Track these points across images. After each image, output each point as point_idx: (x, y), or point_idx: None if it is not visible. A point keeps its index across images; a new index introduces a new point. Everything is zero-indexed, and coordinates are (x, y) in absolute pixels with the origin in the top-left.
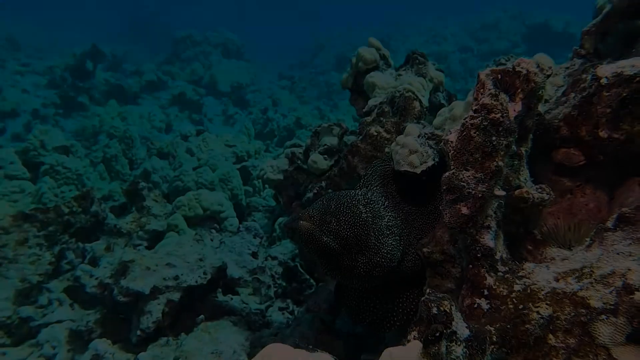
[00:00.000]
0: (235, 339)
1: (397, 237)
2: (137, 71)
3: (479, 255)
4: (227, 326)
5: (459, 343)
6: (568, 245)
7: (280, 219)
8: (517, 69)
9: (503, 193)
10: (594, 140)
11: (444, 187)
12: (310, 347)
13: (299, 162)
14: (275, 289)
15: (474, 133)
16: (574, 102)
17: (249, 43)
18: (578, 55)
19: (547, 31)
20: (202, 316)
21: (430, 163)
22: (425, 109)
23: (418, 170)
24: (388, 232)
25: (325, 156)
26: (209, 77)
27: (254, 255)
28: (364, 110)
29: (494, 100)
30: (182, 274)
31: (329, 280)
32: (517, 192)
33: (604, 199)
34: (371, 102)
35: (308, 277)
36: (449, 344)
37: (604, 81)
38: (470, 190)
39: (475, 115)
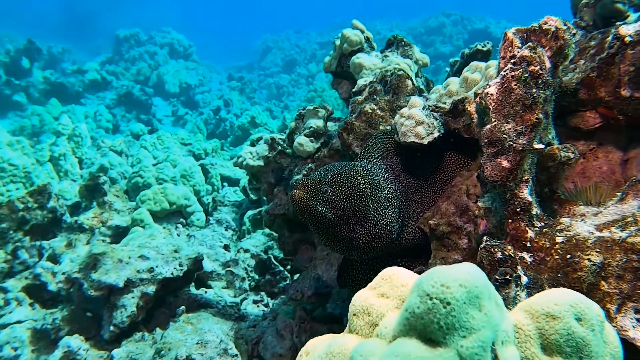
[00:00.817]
0: (221, 329)
1: (396, 210)
2: (79, 70)
3: (518, 209)
4: (209, 317)
5: (522, 288)
6: (596, 203)
7: (249, 212)
8: (545, 27)
9: (542, 146)
10: (614, 100)
11: (485, 140)
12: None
13: (279, 147)
14: (249, 282)
15: (515, 85)
16: (591, 65)
17: (196, 44)
18: (578, 26)
19: (487, 36)
20: (182, 307)
21: (436, 134)
22: (416, 88)
23: (425, 142)
24: (387, 204)
25: (312, 138)
26: (156, 77)
27: (226, 247)
28: (353, 90)
29: (533, 53)
30: (156, 266)
31: (311, 267)
32: (547, 149)
33: (616, 162)
34: (360, 82)
35: (282, 268)
36: (515, 288)
37: (627, 39)
38: (512, 143)
39: (516, 67)
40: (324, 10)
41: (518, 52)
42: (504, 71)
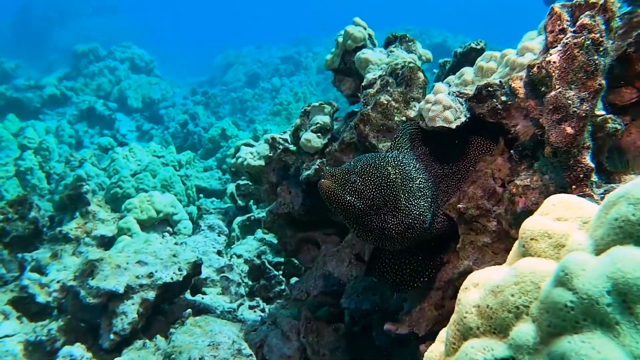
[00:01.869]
0: (231, 330)
1: (429, 199)
2: (36, 85)
3: (581, 175)
4: (217, 320)
5: None
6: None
7: (238, 219)
8: (591, 1)
9: (603, 113)
10: None
11: (550, 107)
12: None
13: (280, 146)
14: (243, 288)
15: (577, 52)
16: (627, 41)
17: (157, 59)
18: None
19: (446, 50)
20: (189, 310)
21: (463, 119)
22: (427, 80)
23: (453, 126)
24: (420, 194)
25: (319, 134)
26: (117, 92)
27: (219, 253)
28: (363, 84)
29: (593, 21)
30: (156, 271)
31: (315, 266)
32: (599, 118)
33: None
34: (369, 76)
35: (277, 273)
36: None
37: None
38: (576, 109)
39: (577, 35)
40: (284, 26)
41: (567, 25)
42: (566, 39)
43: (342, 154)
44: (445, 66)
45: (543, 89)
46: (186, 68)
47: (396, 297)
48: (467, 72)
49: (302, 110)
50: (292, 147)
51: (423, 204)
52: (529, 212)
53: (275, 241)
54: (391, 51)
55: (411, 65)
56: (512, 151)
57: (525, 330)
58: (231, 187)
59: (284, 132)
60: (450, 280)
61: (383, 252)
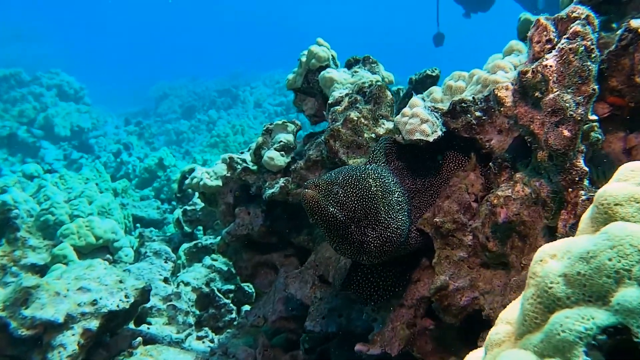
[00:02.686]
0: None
1: (405, 213)
2: None
3: (577, 178)
4: (169, 348)
5: None
6: None
7: (185, 245)
8: (573, 14)
9: (596, 118)
10: (627, 88)
11: (549, 109)
12: None
13: (238, 166)
14: (192, 317)
15: (573, 57)
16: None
17: (88, 87)
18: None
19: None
20: (139, 339)
21: (439, 132)
22: (394, 98)
23: (430, 139)
24: (398, 208)
25: (282, 152)
26: (43, 120)
27: (166, 281)
28: (329, 102)
29: (584, 29)
30: (100, 298)
31: (273, 291)
32: (586, 125)
33: (619, 151)
34: (336, 94)
35: (227, 301)
36: None
37: None
38: (572, 113)
39: (572, 41)
40: (220, 60)
41: (553, 36)
42: (562, 44)
43: (308, 171)
44: (400, 93)
45: (537, 94)
46: (118, 98)
47: (365, 317)
48: (436, 91)
49: (264, 128)
50: (253, 167)
51: (401, 218)
52: (509, 223)
53: (225, 268)
54: (355, 71)
55: (379, 83)
56: (490, 164)
57: (631, 294)
58: (177, 213)
59: (242, 153)
60: (422, 298)
61: (360, 266)
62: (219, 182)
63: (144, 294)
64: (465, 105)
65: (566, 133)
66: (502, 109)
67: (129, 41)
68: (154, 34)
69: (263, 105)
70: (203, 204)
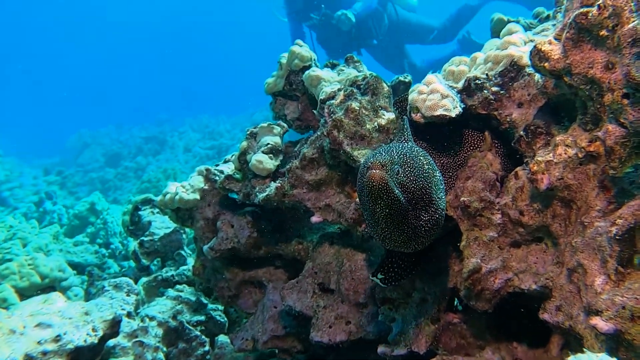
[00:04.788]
0: None
1: (444, 193)
2: None
3: None
4: None
5: None
6: None
7: (143, 279)
8: None
9: None
10: None
11: (629, 40)
12: None
13: (215, 177)
14: (161, 353)
15: None
16: None
17: None
18: None
19: None
20: None
21: (459, 109)
22: (391, 90)
23: (453, 114)
24: (442, 187)
25: (271, 155)
26: None
27: (129, 315)
28: (321, 98)
29: None
30: (64, 333)
31: (260, 310)
32: None
33: None
34: (327, 89)
35: (198, 333)
36: None
37: None
38: None
39: None
40: (146, 106)
41: None
42: None
43: (304, 171)
44: None
45: (603, 32)
46: (34, 149)
47: (382, 318)
48: (435, 80)
49: (248, 132)
50: (236, 174)
51: (443, 198)
52: (551, 189)
53: (193, 298)
54: (341, 69)
55: (375, 75)
56: (521, 132)
57: None
58: (133, 245)
59: (217, 165)
60: (444, 290)
61: (396, 257)
62: (197, 196)
63: (114, 326)
64: (479, 81)
65: None
66: (545, 64)
67: (43, 91)
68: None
69: (193, 150)
70: (161, 234)
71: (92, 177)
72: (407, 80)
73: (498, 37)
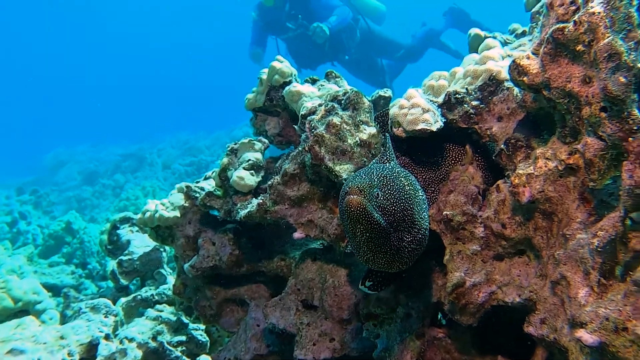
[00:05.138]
0: None
1: (427, 212)
2: None
3: (635, 127)
4: None
5: None
6: None
7: (121, 300)
8: None
9: None
10: None
11: (604, 55)
12: None
13: (196, 194)
14: None
15: (619, 3)
16: None
17: None
18: None
19: None
20: None
21: (441, 122)
22: (371, 105)
23: (434, 128)
24: (425, 207)
25: (252, 172)
26: None
27: (107, 338)
28: (302, 113)
29: None
30: (38, 359)
31: (243, 328)
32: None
33: None
34: (308, 105)
35: (179, 354)
36: None
37: None
38: (626, 59)
39: None
40: (124, 124)
41: None
42: None
43: (286, 187)
44: None
45: (579, 47)
46: (6, 169)
47: (366, 334)
48: (416, 94)
49: (229, 148)
50: (217, 191)
51: (426, 217)
52: (533, 202)
53: (173, 318)
54: (322, 85)
55: (355, 90)
56: (502, 146)
57: None
58: (111, 264)
59: (197, 182)
60: (428, 305)
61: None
62: (177, 213)
63: (91, 349)
64: (459, 96)
65: (622, 79)
66: (524, 79)
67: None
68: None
69: (172, 167)
70: (141, 253)
71: (69, 195)
72: (387, 95)
73: (476, 52)
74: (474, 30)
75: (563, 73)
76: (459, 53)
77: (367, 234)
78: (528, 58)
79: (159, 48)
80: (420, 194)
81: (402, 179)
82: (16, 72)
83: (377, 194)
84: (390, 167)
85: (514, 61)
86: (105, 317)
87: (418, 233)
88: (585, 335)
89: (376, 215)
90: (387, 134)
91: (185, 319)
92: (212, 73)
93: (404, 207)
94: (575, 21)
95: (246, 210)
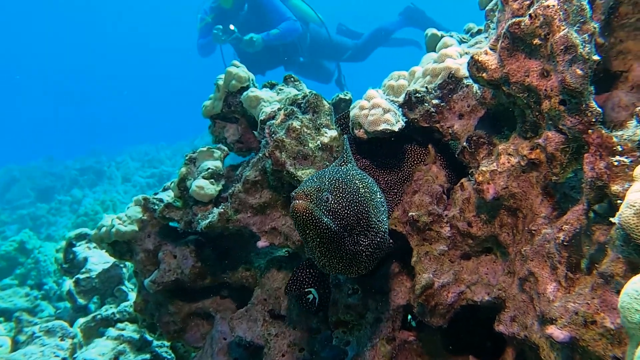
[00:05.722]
0: None
1: (386, 214)
2: None
3: (593, 119)
4: None
5: None
6: None
7: (80, 320)
8: None
9: (598, 58)
10: None
11: (561, 48)
12: None
13: (155, 207)
14: None
15: None
16: None
17: None
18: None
19: None
20: None
21: (402, 122)
22: (332, 108)
23: (396, 128)
24: (383, 209)
25: (212, 180)
26: None
27: None
28: (261, 118)
29: None
30: None
31: (208, 343)
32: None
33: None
34: (267, 110)
35: None
36: None
37: None
38: (582, 51)
39: None
40: (79, 138)
41: None
42: None
43: (248, 194)
44: None
45: (536, 41)
46: None
47: (336, 342)
48: (376, 95)
49: (187, 157)
50: (176, 202)
51: (385, 220)
52: (497, 199)
53: (136, 336)
54: (280, 89)
55: (315, 92)
56: (464, 143)
57: None
58: (67, 285)
59: (156, 194)
60: (397, 308)
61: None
62: (135, 227)
63: None
64: (420, 95)
65: (579, 72)
66: (483, 75)
67: None
68: None
69: (133, 179)
70: (99, 270)
71: (22, 214)
72: (347, 97)
73: (434, 51)
74: (431, 31)
75: (521, 67)
76: (416, 42)
77: (318, 239)
78: (486, 54)
79: (116, 57)
80: (378, 196)
81: (357, 182)
82: None
83: (327, 197)
84: (345, 170)
85: (472, 57)
86: (62, 340)
87: (376, 236)
88: (556, 332)
89: (325, 219)
90: (344, 136)
91: (148, 336)
92: (171, 82)
93: (358, 210)
94: (530, 15)
95: (207, 221)
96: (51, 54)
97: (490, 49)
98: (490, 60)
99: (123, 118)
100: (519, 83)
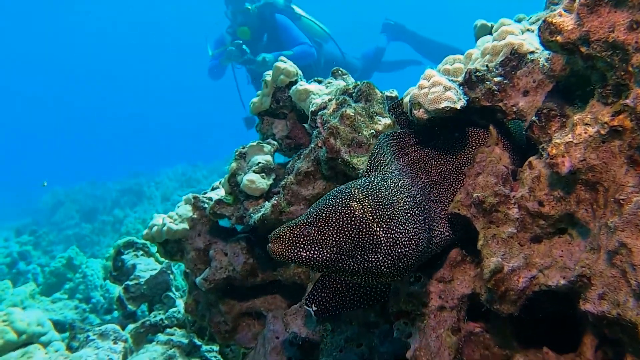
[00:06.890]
0: None
1: (420, 218)
2: None
3: None
4: None
5: None
6: None
7: (130, 327)
8: None
9: None
10: None
11: None
12: None
13: (205, 205)
14: None
15: None
16: None
17: None
18: None
19: None
20: None
21: (464, 101)
22: (384, 96)
23: (458, 106)
24: (406, 217)
25: (263, 174)
26: None
27: None
28: (312, 109)
29: None
30: None
31: (261, 342)
32: None
33: None
34: (318, 101)
35: None
36: None
37: None
38: None
39: None
40: (119, 161)
41: None
42: None
43: (300, 186)
44: None
45: None
46: (3, 212)
47: (397, 334)
48: (435, 74)
49: (237, 152)
50: (227, 198)
51: (413, 226)
52: (573, 173)
53: (185, 341)
54: (329, 82)
55: (367, 81)
56: (534, 118)
57: None
58: (115, 290)
59: (205, 193)
60: (462, 297)
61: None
62: (185, 225)
63: None
64: (480, 74)
65: None
66: (557, 37)
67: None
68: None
69: (171, 198)
70: (147, 277)
71: (68, 234)
72: (393, 94)
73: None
74: (480, 22)
75: (605, 23)
76: (416, 61)
77: (313, 269)
78: (560, 15)
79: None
80: (396, 207)
81: (354, 204)
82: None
83: (309, 232)
84: (346, 192)
85: (544, 20)
86: (115, 343)
87: (394, 248)
88: None
89: (304, 253)
90: (380, 137)
91: (197, 341)
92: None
93: (352, 235)
94: None
95: (260, 214)
96: (89, 78)
97: (565, 11)
98: (566, 21)
99: (161, 139)
100: (602, 40)
